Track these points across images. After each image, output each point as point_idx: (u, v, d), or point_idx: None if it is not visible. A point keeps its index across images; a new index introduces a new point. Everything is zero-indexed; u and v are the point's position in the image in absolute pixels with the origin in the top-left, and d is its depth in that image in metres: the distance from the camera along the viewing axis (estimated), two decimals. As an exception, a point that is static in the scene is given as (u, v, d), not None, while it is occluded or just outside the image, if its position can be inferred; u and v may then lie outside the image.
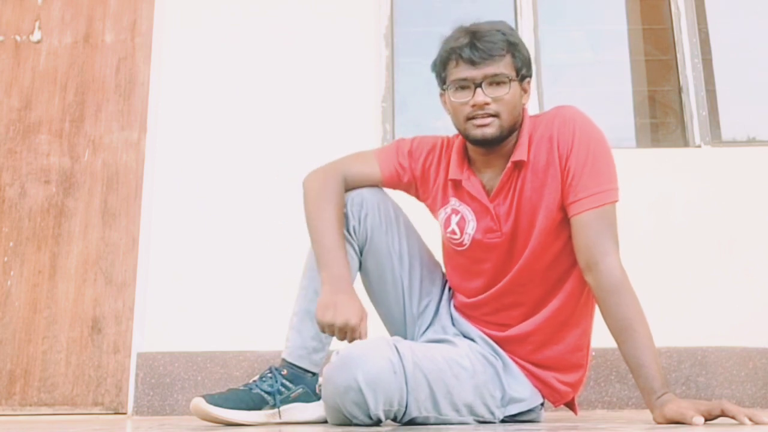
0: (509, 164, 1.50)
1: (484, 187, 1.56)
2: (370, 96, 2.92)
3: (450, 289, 1.71)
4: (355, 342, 1.40)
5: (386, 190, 1.69)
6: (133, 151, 2.92)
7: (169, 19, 3.01)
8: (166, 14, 3.01)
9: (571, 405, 1.65)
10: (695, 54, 2.98)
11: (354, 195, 1.62)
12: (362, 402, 1.31)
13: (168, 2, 3.02)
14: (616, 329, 1.39)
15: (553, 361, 1.57)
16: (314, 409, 1.59)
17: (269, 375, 1.58)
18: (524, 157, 1.49)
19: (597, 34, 3.26)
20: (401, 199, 1.71)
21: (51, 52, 3.02)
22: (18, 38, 3.04)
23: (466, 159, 1.59)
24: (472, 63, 1.46)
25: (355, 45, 2.97)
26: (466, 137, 1.53)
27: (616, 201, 1.46)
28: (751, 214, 2.72)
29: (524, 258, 1.52)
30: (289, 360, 1.61)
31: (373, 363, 1.32)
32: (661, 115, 3.11)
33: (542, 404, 1.60)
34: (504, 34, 1.48)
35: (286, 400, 1.56)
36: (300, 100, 2.90)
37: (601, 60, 3.21)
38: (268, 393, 1.55)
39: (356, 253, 1.64)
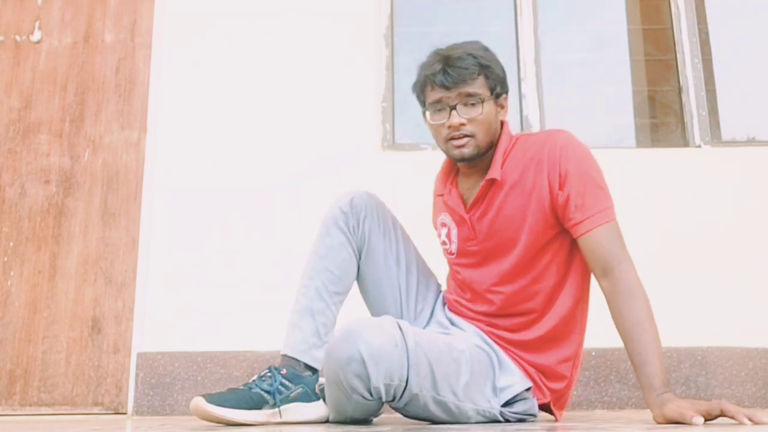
0: (484, 181, 1.59)
1: (462, 197, 1.66)
2: (370, 96, 2.92)
3: (443, 298, 1.77)
4: (359, 317, 1.43)
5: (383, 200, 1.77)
6: (133, 151, 2.92)
7: (169, 19, 3.01)
8: (166, 14, 3.01)
9: (549, 410, 1.66)
10: (695, 54, 2.98)
11: (355, 197, 1.69)
12: (364, 374, 1.33)
13: (168, 2, 3.02)
14: (624, 329, 1.43)
15: (539, 366, 1.61)
16: (314, 409, 1.59)
17: (268, 374, 1.58)
18: (497, 176, 1.58)
19: (597, 34, 3.26)
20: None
21: (51, 52, 3.03)
22: (18, 38, 3.04)
23: (453, 172, 1.71)
24: (445, 87, 1.56)
25: (355, 45, 2.96)
26: (447, 156, 1.64)
27: (615, 218, 1.53)
28: (751, 214, 2.72)
29: (508, 274, 1.59)
30: (291, 354, 1.62)
31: (376, 335, 1.34)
32: (661, 115, 3.11)
33: (530, 389, 1.61)
34: (476, 57, 1.57)
35: (286, 400, 1.56)
36: (300, 100, 2.90)
37: (601, 60, 3.21)
38: (268, 392, 1.55)
39: (355, 255, 1.69)
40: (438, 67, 1.57)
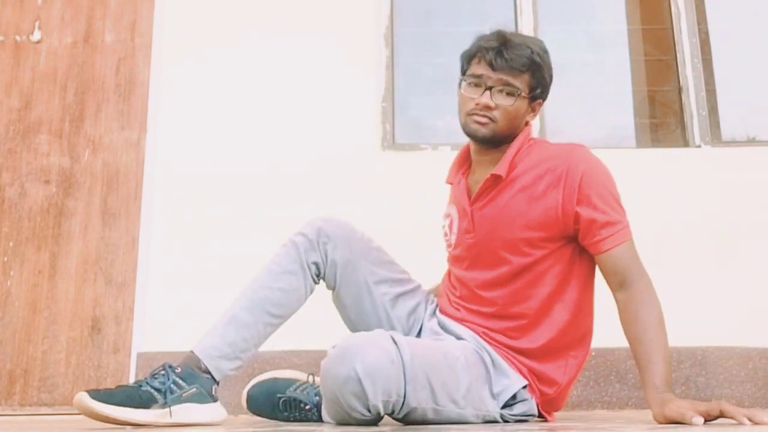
0: (489, 176, 1.58)
1: (468, 190, 1.65)
2: (370, 96, 2.91)
3: (434, 306, 1.74)
4: (353, 334, 1.41)
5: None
6: (133, 151, 2.92)
7: (169, 19, 3.00)
8: (166, 14, 3.01)
9: (540, 413, 1.64)
10: (695, 54, 2.98)
11: (324, 226, 1.65)
12: (361, 393, 1.32)
13: (168, 2, 3.02)
14: (635, 334, 1.46)
15: (534, 370, 1.59)
16: (208, 411, 1.53)
17: (162, 372, 1.51)
18: (501, 173, 1.56)
19: (597, 34, 3.26)
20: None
21: (51, 52, 3.02)
22: (18, 38, 3.04)
23: (467, 163, 1.69)
24: (492, 67, 1.56)
25: (355, 45, 2.96)
26: (463, 128, 1.62)
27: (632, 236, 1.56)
28: (751, 214, 2.72)
29: (502, 275, 1.57)
30: (197, 353, 1.56)
31: (371, 353, 1.33)
32: (661, 115, 3.11)
33: (526, 386, 1.59)
34: (533, 52, 1.57)
35: (177, 399, 1.48)
36: (300, 100, 2.90)
37: (601, 60, 3.21)
38: (159, 390, 1.48)
39: (305, 286, 1.64)
40: (494, 44, 1.56)
